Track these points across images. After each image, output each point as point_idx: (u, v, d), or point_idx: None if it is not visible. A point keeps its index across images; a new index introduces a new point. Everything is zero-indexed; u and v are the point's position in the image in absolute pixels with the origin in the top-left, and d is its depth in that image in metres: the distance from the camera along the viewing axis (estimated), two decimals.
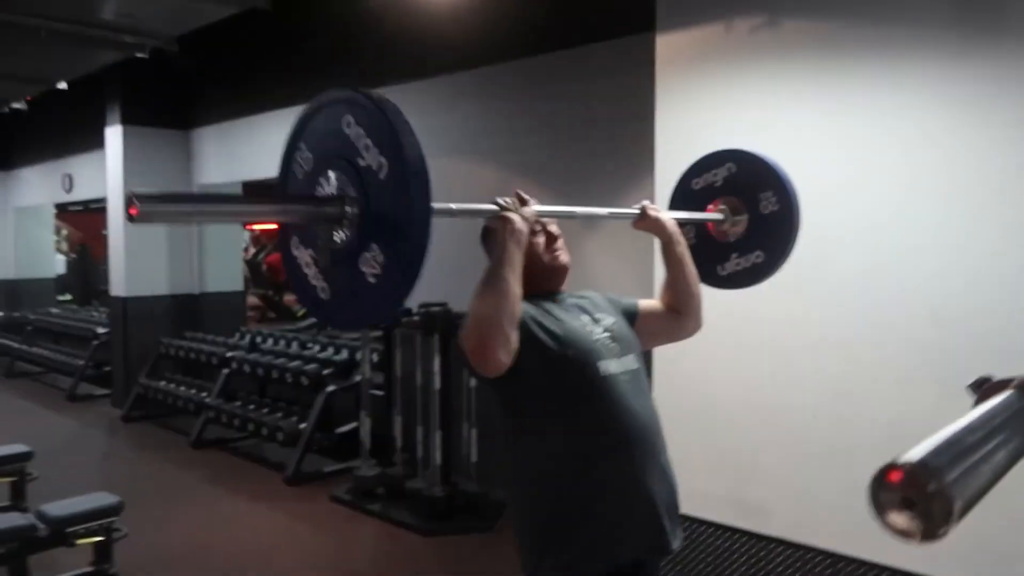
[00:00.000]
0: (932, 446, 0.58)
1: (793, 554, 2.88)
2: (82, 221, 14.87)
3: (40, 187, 9.85)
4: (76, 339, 8.72)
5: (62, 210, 12.11)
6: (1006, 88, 2.42)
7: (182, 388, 6.61)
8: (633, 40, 3.65)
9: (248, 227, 12.90)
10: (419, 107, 4.59)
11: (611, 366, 1.67)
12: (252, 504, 4.91)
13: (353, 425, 5.24)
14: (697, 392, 3.11)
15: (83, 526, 3.23)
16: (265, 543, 4.27)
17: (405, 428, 4.75)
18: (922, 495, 0.54)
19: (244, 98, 6.65)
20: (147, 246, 7.21)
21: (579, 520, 1.61)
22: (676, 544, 1.69)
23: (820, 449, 2.79)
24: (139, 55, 6.24)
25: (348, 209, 1.33)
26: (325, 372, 5.42)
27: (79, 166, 8.74)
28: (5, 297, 10.60)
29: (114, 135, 7.20)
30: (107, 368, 7.80)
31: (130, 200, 1.11)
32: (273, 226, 9.00)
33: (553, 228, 1.80)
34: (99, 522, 3.27)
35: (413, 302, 4.87)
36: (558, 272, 1.80)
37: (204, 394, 6.28)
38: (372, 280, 1.31)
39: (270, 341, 6.44)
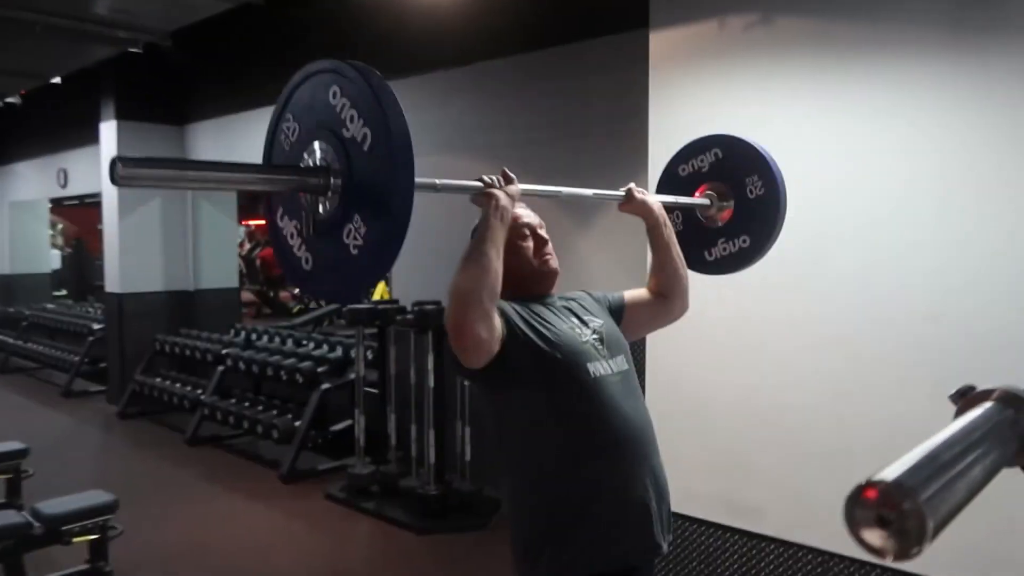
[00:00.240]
0: (909, 463, 0.58)
1: (785, 551, 2.89)
2: (78, 215, 14.84)
3: (35, 182, 9.82)
4: (71, 335, 8.70)
5: (58, 204, 12.08)
6: (1004, 84, 2.41)
7: (177, 385, 6.60)
8: (629, 36, 3.64)
9: (244, 223, 12.87)
10: (414, 102, 4.51)
11: (601, 368, 1.67)
12: (247, 502, 4.91)
13: (348, 423, 5.25)
14: (692, 390, 3.10)
15: (79, 524, 3.22)
16: (260, 541, 4.27)
17: (399, 426, 4.76)
18: (897, 513, 0.54)
19: (238, 93, 6.62)
20: (142, 242, 7.20)
21: (574, 521, 1.61)
22: (667, 546, 1.70)
23: (818, 448, 2.78)
24: (133, 50, 6.24)
25: (332, 180, 1.32)
26: (320, 370, 5.41)
27: (74, 161, 8.71)
28: (0, 292, 10.59)
29: (109, 130, 7.18)
30: (102, 364, 7.79)
31: (114, 163, 1.11)
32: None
33: (543, 232, 1.80)
34: (94, 520, 3.26)
35: (407, 300, 4.86)
36: (548, 276, 1.80)
37: (199, 391, 6.27)
38: (354, 252, 1.30)
39: (265, 338, 6.43)
